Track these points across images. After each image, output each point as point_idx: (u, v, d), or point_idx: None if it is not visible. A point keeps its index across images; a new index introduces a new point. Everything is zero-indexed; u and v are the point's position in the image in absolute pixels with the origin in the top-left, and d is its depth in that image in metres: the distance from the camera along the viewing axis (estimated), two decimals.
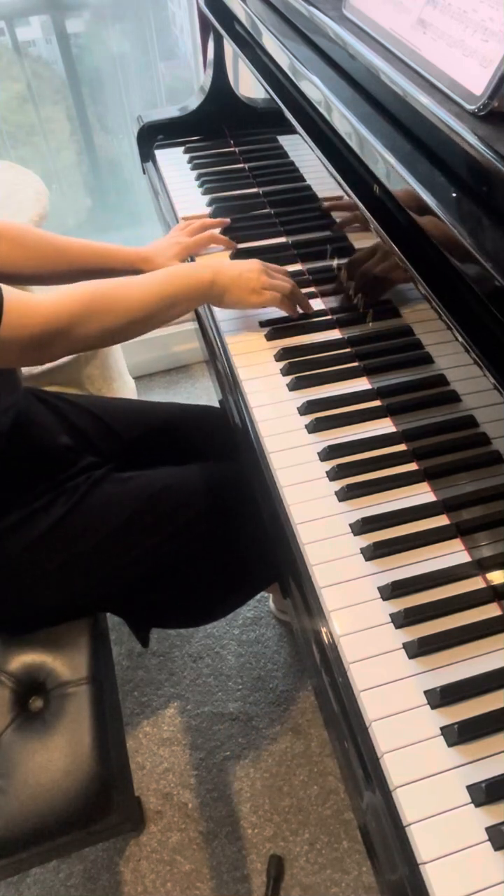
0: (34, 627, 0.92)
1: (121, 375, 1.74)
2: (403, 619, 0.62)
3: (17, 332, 0.72)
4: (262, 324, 0.93)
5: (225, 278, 0.87)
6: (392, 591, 0.64)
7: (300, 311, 0.92)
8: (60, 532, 0.88)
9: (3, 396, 0.88)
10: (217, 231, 1.06)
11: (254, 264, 0.90)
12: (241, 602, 1.07)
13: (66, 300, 0.76)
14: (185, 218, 1.12)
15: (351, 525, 0.70)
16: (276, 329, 0.92)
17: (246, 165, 1.23)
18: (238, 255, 1.04)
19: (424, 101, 0.60)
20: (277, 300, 0.90)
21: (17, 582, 0.88)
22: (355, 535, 0.69)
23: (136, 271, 1.00)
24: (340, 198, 0.88)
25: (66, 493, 0.90)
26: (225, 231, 1.07)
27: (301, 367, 0.86)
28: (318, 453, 0.77)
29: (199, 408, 1.17)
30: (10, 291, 0.71)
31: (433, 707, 0.57)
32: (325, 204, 0.96)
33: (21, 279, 0.97)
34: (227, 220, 1.09)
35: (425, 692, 0.58)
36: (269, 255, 1.03)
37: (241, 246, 1.06)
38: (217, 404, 1.03)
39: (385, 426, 0.79)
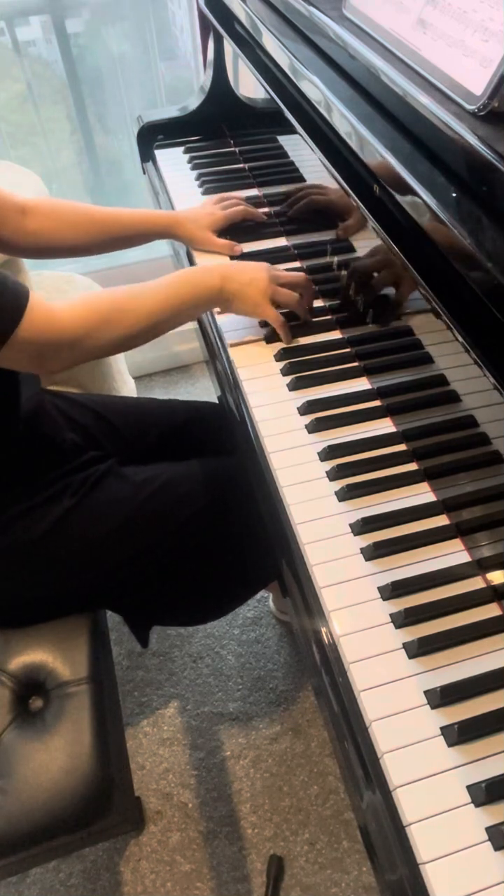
0: (33, 620, 0.92)
1: (121, 375, 1.74)
2: (403, 619, 0.62)
3: (34, 336, 0.72)
4: (262, 324, 0.93)
5: (234, 285, 0.86)
6: (392, 591, 0.64)
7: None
8: (66, 524, 0.89)
9: (29, 382, 0.89)
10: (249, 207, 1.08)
11: (262, 273, 0.87)
12: (241, 601, 1.08)
13: (81, 311, 0.76)
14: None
15: (351, 525, 0.70)
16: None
17: (246, 165, 1.23)
18: (238, 255, 1.04)
19: (424, 101, 0.60)
20: (278, 323, 0.88)
21: (21, 571, 0.89)
22: (355, 535, 0.69)
23: (169, 235, 1.04)
24: (341, 197, 0.88)
25: (74, 486, 0.91)
26: (225, 231, 1.07)
27: (301, 367, 0.86)
28: (318, 453, 0.77)
29: (199, 404, 1.17)
30: (34, 295, 0.72)
31: (433, 707, 0.57)
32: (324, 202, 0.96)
33: (58, 251, 1.00)
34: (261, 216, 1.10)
35: (425, 692, 0.58)
36: (269, 255, 1.04)
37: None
38: (216, 400, 1.03)
39: (385, 426, 0.79)
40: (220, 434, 1.09)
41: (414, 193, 0.57)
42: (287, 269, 1.00)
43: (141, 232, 1.02)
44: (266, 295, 0.86)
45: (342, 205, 0.88)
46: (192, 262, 1.06)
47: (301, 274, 0.90)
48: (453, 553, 0.67)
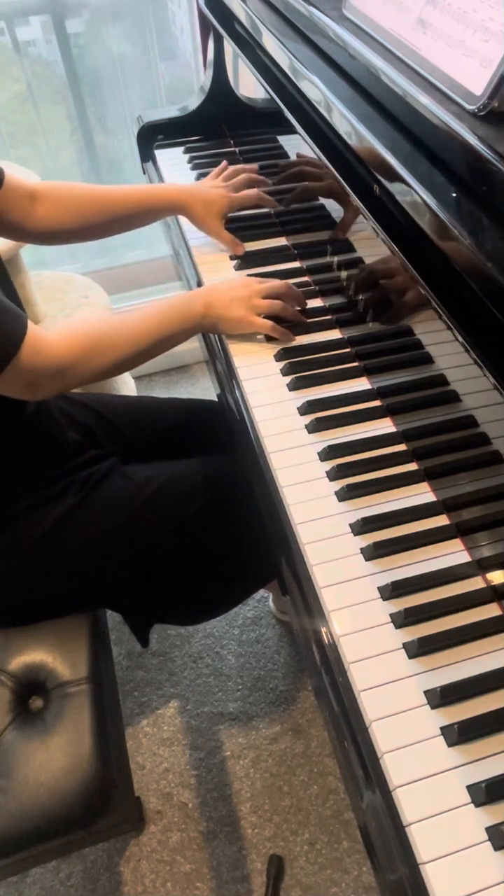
0: (33, 620, 0.93)
1: (121, 375, 1.75)
2: (403, 619, 0.62)
3: (29, 363, 0.74)
4: None
5: (216, 310, 0.88)
6: (392, 591, 0.64)
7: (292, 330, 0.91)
8: (68, 523, 0.89)
9: None
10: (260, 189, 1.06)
11: (242, 291, 0.88)
12: (240, 599, 1.08)
13: (72, 339, 0.79)
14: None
15: (351, 525, 0.70)
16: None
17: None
18: (240, 255, 1.04)
19: (424, 101, 0.60)
20: (267, 329, 0.88)
21: (22, 571, 0.89)
22: (355, 535, 0.69)
23: (178, 213, 1.04)
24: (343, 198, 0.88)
25: (77, 483, 0.91)
26: (228, 229, 1.06)
27: (301, 367, 0.86)
28: (318, 453, 0.77)
29: (198, 401, 1.17)
30: (30, 323, 0.74)
31: (433, 707, 0.57)
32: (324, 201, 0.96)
33: (65, 235, 0.99)
34: (269, 181, 1.09)
35: (425, 692, 0.58)
36: (269, 255, 1.04)
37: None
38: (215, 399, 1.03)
39: (385, 426, 0.79)
40: (220, 432, 1.09)
41: (414, 193, 0.57)
42: (287, 269, 1.01)
43: (150, 209, 1.02)
44: (248, 310, 0.88)
45: (336, 191, 0.88)
46: (194, 264, 1.06)
47: (281, 282, 0.90)
48: (453, 553, 0.67)
